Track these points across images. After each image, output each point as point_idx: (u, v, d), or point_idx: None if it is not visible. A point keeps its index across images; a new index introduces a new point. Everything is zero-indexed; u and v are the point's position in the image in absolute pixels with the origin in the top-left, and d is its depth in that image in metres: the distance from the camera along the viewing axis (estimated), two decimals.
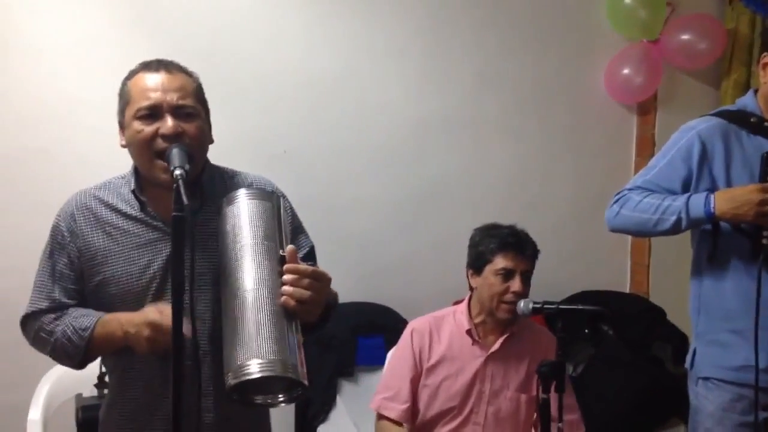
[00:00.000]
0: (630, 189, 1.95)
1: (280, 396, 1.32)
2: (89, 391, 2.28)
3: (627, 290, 3.56)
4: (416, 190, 3.24)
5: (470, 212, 3.03)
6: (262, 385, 1.29)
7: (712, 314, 1.91)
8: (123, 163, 1.59)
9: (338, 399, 2.88)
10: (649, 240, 3.44)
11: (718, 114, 1.91)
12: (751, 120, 1.84)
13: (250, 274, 1.31)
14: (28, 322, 1.53)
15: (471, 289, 2.25)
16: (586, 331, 3.17)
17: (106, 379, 1.73)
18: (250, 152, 2.98)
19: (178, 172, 1.31)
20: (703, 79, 3.41)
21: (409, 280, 3.20)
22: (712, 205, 1.77)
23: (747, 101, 1.91)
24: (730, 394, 1.85)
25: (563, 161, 3.41)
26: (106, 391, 1.69)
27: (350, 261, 3.17)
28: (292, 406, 2.96)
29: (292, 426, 2.96)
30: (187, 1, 2.92)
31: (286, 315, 1.30)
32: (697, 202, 1.79)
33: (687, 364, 2.01)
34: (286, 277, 1.32)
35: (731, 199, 1.75)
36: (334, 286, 3.00)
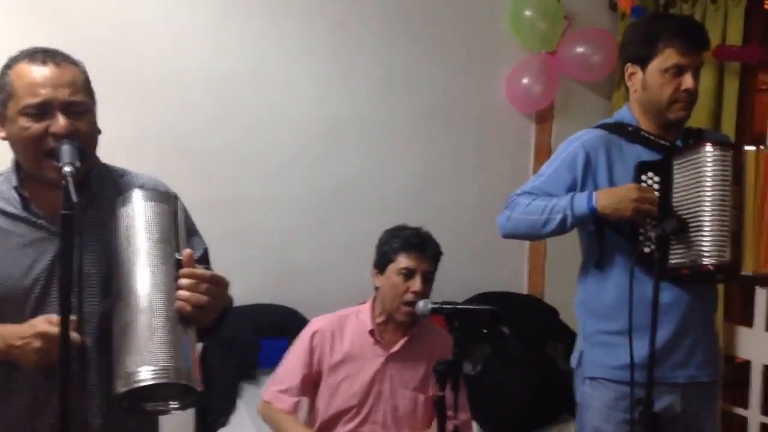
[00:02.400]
0: (518, 194, 2.02)
1: (172, 403, 1.29)
2: None
3: (524, 291, 3.69)
4: (324, 191, 3.25)
5: (378, 214, 3.07)
6: (155, 391, 1.25)
7: (596, 316, 2.01)
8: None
9: (239, 402, 2.84)
10: (544, 243, 3.59)
11: (600, 126, 2.03)
12: (629, 129, 1.96)
13: (144, 278, 1.28)
14: None
15: (375, 288, 2.28)
16: (485, 331, 3.28)
17: None
18: (156, 150, 2.90)
19: (67, 169, 1.26)
20: (597, 91, 3.58)
21: (317, 282, 3.20)
22: (594, 201, 1.86)
23: (623, 113, 2.02)
24: (614, 393, 1.95)
25: (467, 165, 3.51)
26: None
27: (257, 262, 3.14)
28: (192, 410, 2.90)
29: (191, 430, 2.89)
30: None
31: (182, 320, 1.27)
32: (581, 199, 1.89)
33: (573, 364, 2.10)
34: (183, 281, 1.29)
35: (612, 195, 1.86)
36: (240, 287, 2.96)
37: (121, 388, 1.21)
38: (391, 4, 3.30)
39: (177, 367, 1.22)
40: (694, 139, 1.96)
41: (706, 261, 1.77)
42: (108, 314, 1.33)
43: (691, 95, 1.89)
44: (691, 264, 1.81)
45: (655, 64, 1.89)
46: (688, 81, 1.87)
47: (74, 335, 1.25)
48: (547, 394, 3.02)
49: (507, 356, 3.13)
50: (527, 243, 3.64)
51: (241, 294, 3.01)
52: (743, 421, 3.18)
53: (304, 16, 3.16)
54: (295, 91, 3.18)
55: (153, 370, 1.20)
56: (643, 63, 1.92)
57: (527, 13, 3.34)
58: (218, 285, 1.34)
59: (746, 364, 3.22)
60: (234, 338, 2.87)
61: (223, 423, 2.75)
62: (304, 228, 3.22)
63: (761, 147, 1.85)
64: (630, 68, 1.96)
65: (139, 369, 1.20)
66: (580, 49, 3.39)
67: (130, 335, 1.24)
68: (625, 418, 1.91)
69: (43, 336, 1.29)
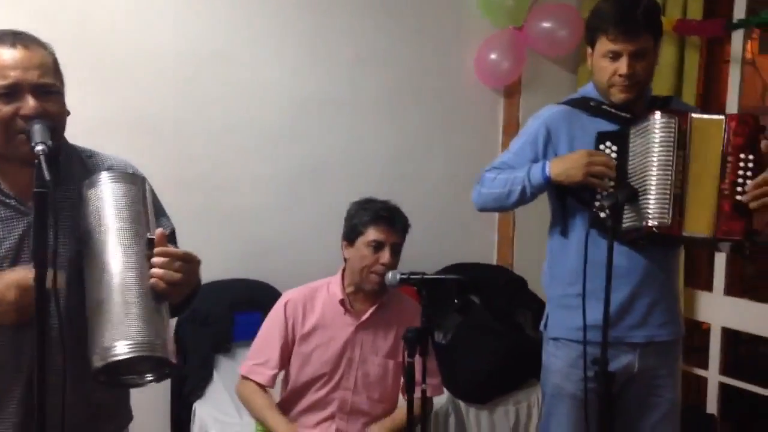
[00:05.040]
0: (487, 170, 2.12)
1: (148, 375, 1.34)
2: None
3: (494, 262, 3.78)
4: (296, 168, 3.29)
5: (349, 190, 3.07)
6: (131, 365, 1.30)
7: (560, 280, 2.10)
8: None
9: (215, 374, 2.90)
10: (513, 215, 3.68)
11: (564, 102, 2.11)
12: (591, 104, 2.04)
13: (116, 257, 1.31)
14: None
15: (345, 260, 2.34)
16: (455, 301, 3.37)
17: None
18: (127, 131, 2.92)
19: (39, 147, 1.27)
20: (564, 65, 3.66)
21: (289, 256, 3.25)
22: (547, 170, 1.97)
23: (588, 89, 2.11)
24: (575, 352, 2.05)
25: (437, 140, 3.57)
26: None
27: (230, 239, 3.18)
28: (168, 382, 2.96)
29: (168, 402, 2.95)
30: None
31: (155, 297, 1.31)
32: (536, 169, 2.00)
33: (542, 327, 2.20)
34: (156, 260, 1.33)
35: (563, 161, 1.96)
36: (215, 263, 3.01)
37: (98, 363, 1.25)
38: None
39: (152, 341, 1.26)
40: (658, 107, 2.01)
41: (650, 222, 1.86)
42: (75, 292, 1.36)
43: (629, 79, 1.94)
44: (639, 226, 1.89)
45: (597, 49, 1.98)
46: (622, 66, 1.93)
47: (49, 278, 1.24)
48: (516, 360, 3.12)
49: (477, 325, 3.21)
50: (496, 215, 3.73)
51: (215, 270, 3.10)
52: (704, 381, 3.32)
53: None
54: (266, 70, 3.20)
55: (129, 344, 1.24)
56: (591, 47, 2.01)
57: None
58: (190, 262, 1.38)
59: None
60: (209, 313, 2.92)
61: (200, 395, 2.81)
62: (277, 204, 3.27)
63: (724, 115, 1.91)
64: (588, 50, 2.04)
65: (116, 343, 1.24)
66: (546, 25, 3.44)
67: (105, 312, 1.27)
68: (583, 376, 2.00)
69: (19, 286, 1.31)
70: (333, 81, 3.32)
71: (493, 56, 3.48)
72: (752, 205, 1.83)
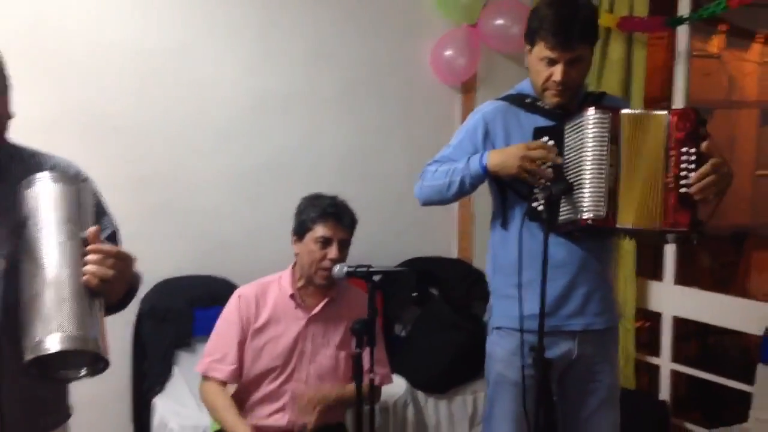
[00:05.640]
0: (429, 164, 2.17)
1: (82, 370, 1.37)
2: None
3: (455, 256, 3.86)
4: (253, 165, 3.33)
5: (309, 185, 3.09)
6: (65, 359, 1.33)
7: (502, 272, 2.16)
8: None
9: (176, 369, 2.95)
10: (472, 210, 3.75)
11: (503, 98, 2.16)
12: (527, 101, 2.10)
13: (50, 253, 1.34)
14: None
15: (296, 255, 2.39)
16: (414, 294, 3.44)
17: None
18: (82, 129, 2.94)
19: None
20: (517, 61, 3.69)
21: (250, 252, 3.30)
22: (485, 160, 2.03)
23: (524, 85, 2.17)
24: (516, 341, 2.10)
25: (396, 136, 3.63)
26: None
27: (190, 235, 3.22)
28: (128, 379, 2.99)
29: (127, 398, 2.98)
30: None
31: (89, 293, 1.33)
32: (475, 160, 2.05)
33: (485, 317, 2.27)
34: (90, 257, 1.35)
35: (500, 153, 2.02)
36: (174, 260, 3.03)
37: (29, 356, 1.27)
38: None
39: (84, 336, 1.29)
40: (591, 103, 2.08)
41: (585, 215, 1.92)
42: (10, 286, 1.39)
43: (563, 85, 2.00)
44: (574, 218, 1.95)
45: (534, 52, 2.03)
46: (557, 73, 1.98)
47: None
48: (473, 351, 3.17)
49: (435, 317, 3.28)
50: (456, 210, 3.80)
51: (174, 266, 3.14)
52: (656, 368, 3.43)
53: None
54: (222, 66, 3.24)
55: (60, 338, 1.26)
56: (530, 46, 2.06)
57: None
58: (123, 260, 1.41)
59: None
60: (168, 309, 2.96)
61: (159, 390, 2.85)
62: (235, 201, 3.31)
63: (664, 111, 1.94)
64: (527, 47, 2.09)
65: (47, 337, 1.26)
66: (499, 21, 3.52)
67: (38, 306, 1.30)
68: (523, 363, 2.07)
69: None
70: (289, 77, 3.37)
71: (448, 53, 3.55)
72: (697, 196, 1.88)
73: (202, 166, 3.25)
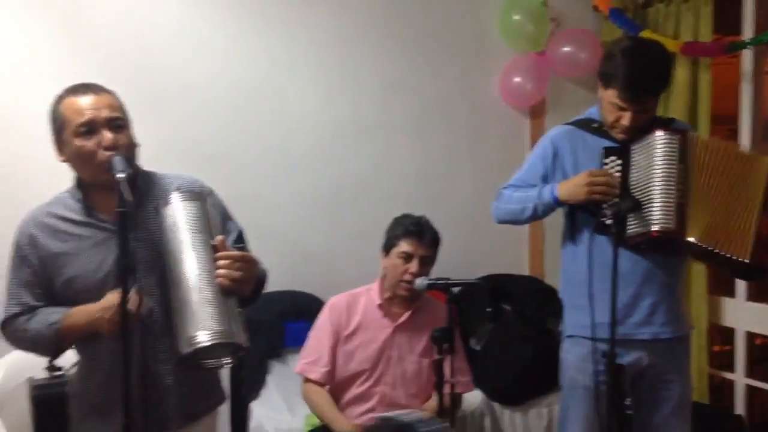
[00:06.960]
0: (505, 187, 2.37)
1: (225, 359, 1.61)
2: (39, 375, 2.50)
3: (527, 273, 3.99)
4: (334, 188, 3.59)
5: (382, 206, 3.34)
6: (211, 351, 1.57)
7: (573, 283, 2.31)
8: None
9: (268, 378, 3.18)
10: (542, 230, 3.88)
11: (572, 123, 2.33)
12: (593, 125, 2.27)
13: (191, 263, 1.59)
14: (5, 326, 1.78)
15: (383, 268, 2.60)
16: (488, 309, 3.58)
17: (55, 362, 1.91)
18: (182, 155, 3.23)
19: (121, 175, 1.57)
20: (585, 86, 3.83)
21: (330, 268, 3.54)
22: (555, 192, 2.21)
23: (593, 111, 2.32)
24: (587, 348, 2.24)
25: (465, 159, 3.83)
26: (57, 373, 1.85)
27: (276, 253, 3.39)
28: (227, 385, 3.24)
29: (228, 401, 3.23)
30: (118, 18, 3.18)
31: (224, 293, 1.58)
32: (546, 191, 2.23)
33: (561, 327, 2.42)
34: (220, 262, 1.60)
35: (568, 184, 2.19)
36: None
37: (185, 350, 1.52)
38: (390, 16, 3.63)
39: (227, 329, 1.53)
40: (659, 127, 2.18)
41: (654, 227, 2.04)
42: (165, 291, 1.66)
43: (630, 128, 2.13)
44: (643, 231, 2.08)
45: (606, 92, 2.16)
46: (626, 119, 2.12)
47: (133, 302, 1.57)
48: (547, 364, 3.28)
49: (508, 331, 3.42)
50: (527, 229, 3.93)
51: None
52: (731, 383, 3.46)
53: (312, 30, 3.51)
54: (305, 98, 3.53)
55: (209, 333, 1.51)
56: (602, 84, 2.18)
57: (515, 17, 3.64)
58: (248, 262, 1.67)
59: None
60: (261, 321, 3.20)
61: (255, 396, 3.09)
62: (316, 221, 3.57)
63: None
64: (599, 82, 2.21)
65: (198, 333, 1.51)
66: (566, 49, 3.67)
67: (187, 309, 1.55)
68: (595, 369, 2.20)
69: (113, 308, 1.61)
70: (365, 107, 3.63)
71: (516, 79, 3.72)
72: None
73: (285, 189, 3.52)
